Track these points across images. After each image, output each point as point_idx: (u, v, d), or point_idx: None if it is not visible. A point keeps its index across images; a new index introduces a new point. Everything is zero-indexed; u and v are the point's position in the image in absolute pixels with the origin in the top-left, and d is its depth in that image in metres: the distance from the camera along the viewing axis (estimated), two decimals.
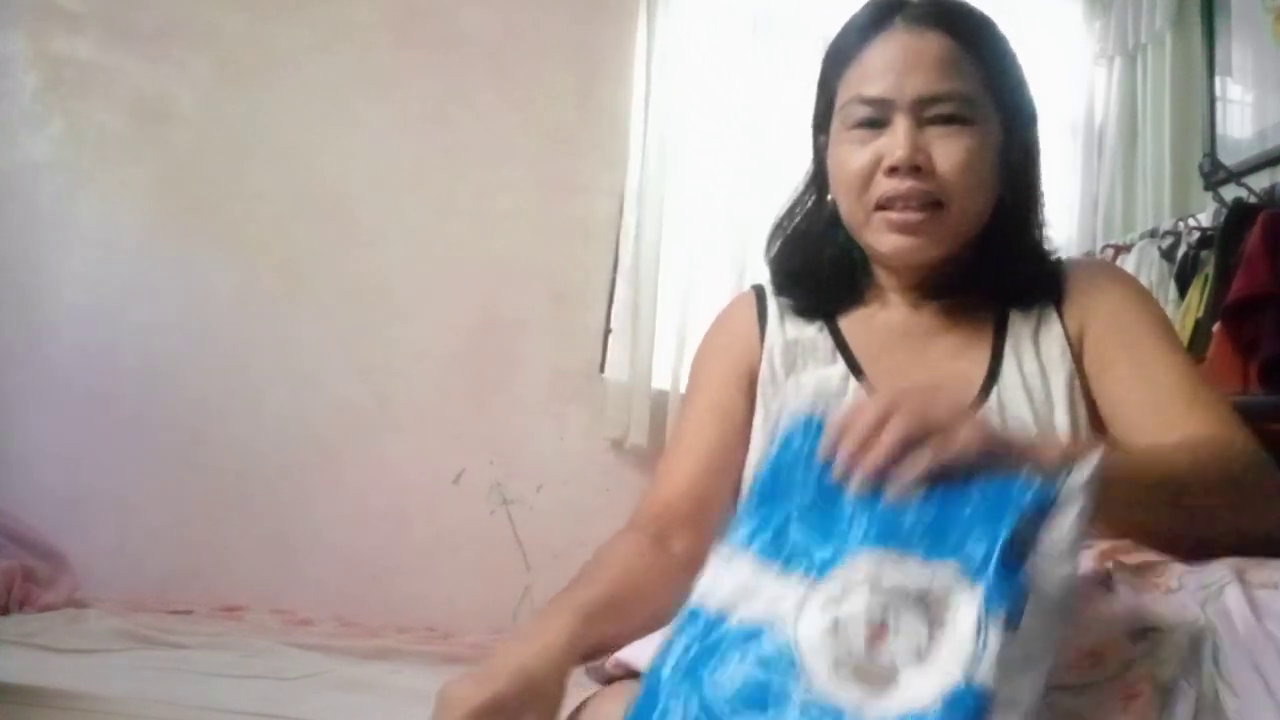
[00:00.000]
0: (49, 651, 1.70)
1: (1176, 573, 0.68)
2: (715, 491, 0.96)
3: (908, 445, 0.61)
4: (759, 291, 1.07)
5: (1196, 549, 0.73)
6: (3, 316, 2.41)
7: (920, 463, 0.61)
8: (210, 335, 2.52)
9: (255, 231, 2.57)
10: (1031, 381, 0.93)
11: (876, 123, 0.93)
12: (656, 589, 0.80)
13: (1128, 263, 2.64)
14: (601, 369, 2.74)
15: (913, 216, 0.91)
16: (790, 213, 1.07)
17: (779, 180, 2.56)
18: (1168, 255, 2.61)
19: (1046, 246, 1.01)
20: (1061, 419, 0.91)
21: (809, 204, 1.04)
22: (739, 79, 2.83)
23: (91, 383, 2.43)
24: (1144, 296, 0.99)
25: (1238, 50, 2.87)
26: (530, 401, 2.67)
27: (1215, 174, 2.71)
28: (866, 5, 0.98)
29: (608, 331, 2.77)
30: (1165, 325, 0.95)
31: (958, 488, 0.61)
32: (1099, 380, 0.92)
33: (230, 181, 2.57)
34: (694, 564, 0.73)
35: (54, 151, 2.51)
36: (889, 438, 0.62)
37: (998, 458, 0.62)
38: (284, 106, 2.62)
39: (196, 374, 2.49)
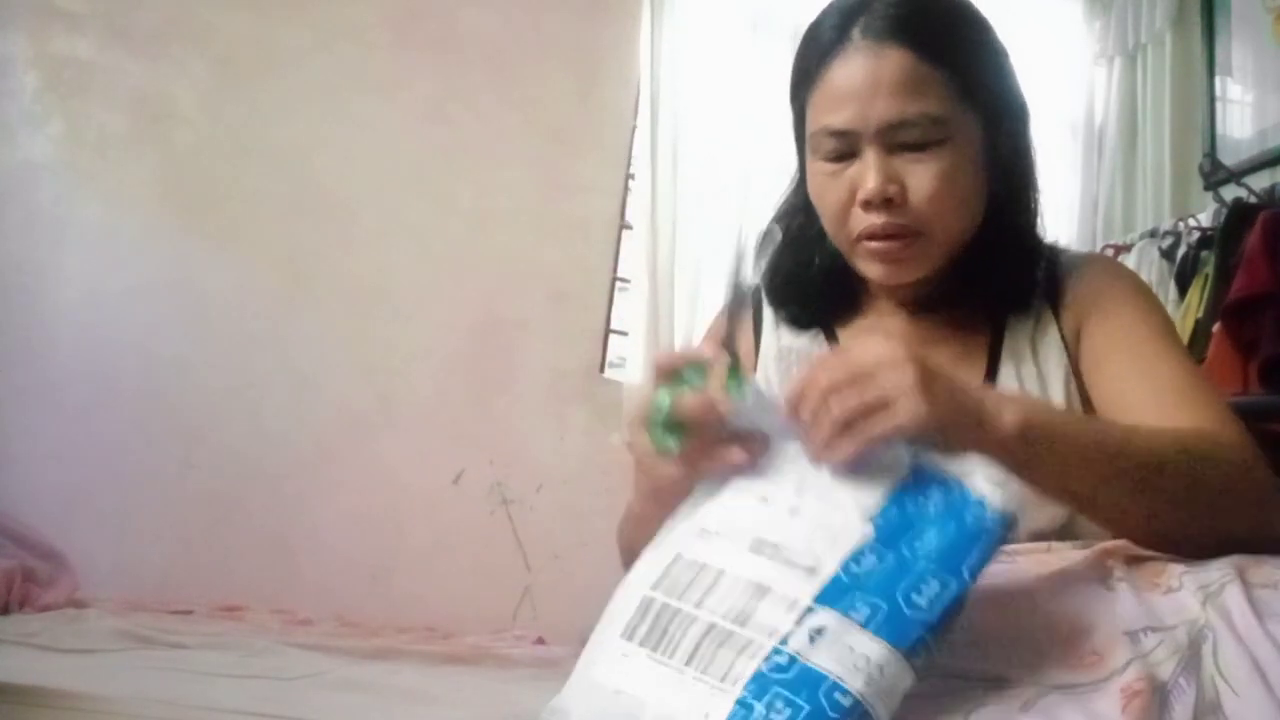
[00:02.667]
0: (49, 651, 1.70)
1: (1176, 572, 0.68)
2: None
3: (852, 419, 0.63)
4: (755, 293, 1.06)
5: (1184, 546, 0.73)
6: (3, 317, 2.40)
7: (860, 439, 0.63)
8: (210, 335, 2.52)
9: (255, 231, 2.57)
10: (1029, 387, 0.92)
11: (846, 154, 0.90)
12: None
13: (1127, 262, 2.64)
14: (601, 369, 2.74)
15: (893, 245, 0.89)
16: (780, 219, 1.04)
17: (783, 180, 2.56)
18: (1168, 255, 2.61)
19: (1043, 242, 0.99)
20: None
21: (799, 210, 1.02)
22: (741, 79, 2.84)
23: (91, 382, 2.43)
24: (1142, 292, 0.96)
25: (1238, 50, 2.87)
26: (530, 401, 2.67)
27: (1215, 174, 2.71)
28: (826, 13, 0.93)
29: (608, 331, 2.77)
30: (1163, 322, 0.92)
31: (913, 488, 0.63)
32: (1093, 376, 0.91)
33: (230, 181, 2.57)
34: None
35: (54, 151, 2.51)
36: (833, 415, 0.63)
37: (946, 434, 0.64)
38: (284, 106, 2.62)
39: (196, 374, 2.49)
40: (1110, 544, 0.74)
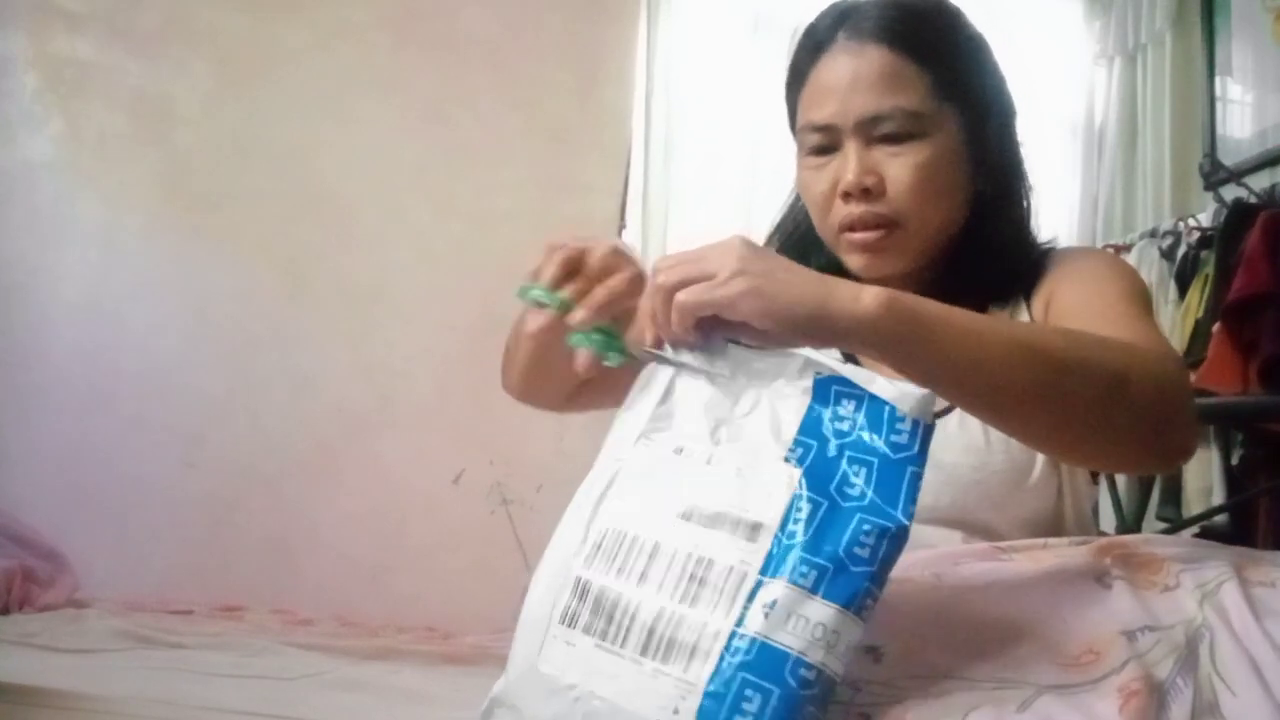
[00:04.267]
0: (49, 651, 1.70)
1: (1174, 570, 0.68)
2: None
3: (677, 289, 0.65)
4: None
5: (1101, 456, 0.75)
6: (3, 317, 2.40)
7: (687, 307, 0.64)
8: (210, 335, 2.51)
9: (255, 231, 2.57)
10: None
11: (828, 148, 0.94)
12: None
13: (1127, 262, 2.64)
14: None
15: (871, 236, 0.93)
16: (786, 219, 1.08)
17: (780, 180, 2.57)
18: (1168, 255, 2.61)
19: (1033, 236, 1.01)
20: None
21: (800, 208, 1.05)
22: (740, 79, 2.84)
23: (91, 383, 2.42)
24: (1110, 263, 0.98)
25: (1238, 50, 2.87)
26: None
27: (1215, 174, 2.71)
28: (817, 19, 0.98)
29: None
30: (1133, 289, 0.92)
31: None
32: None
33: (230, 181, 2.57)
34: None
35: (54, 151, 2.51)
36: (659, 282, 0.65)
37: (788, 306, 0.63)
38: (284, 106, 2.62)
39: (196, 374, 2.49)
40: (1106, 541, 0.74)
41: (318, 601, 2.38)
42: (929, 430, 0.60)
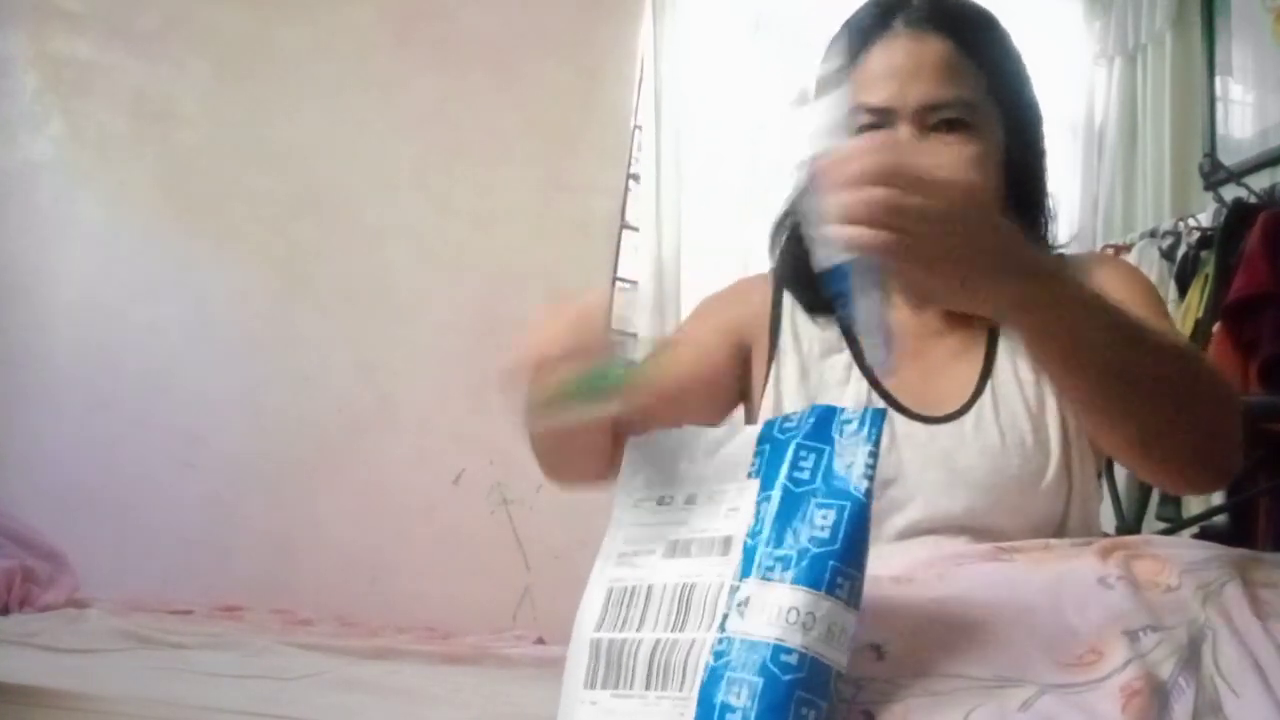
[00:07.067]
0: (49, 651, 1.70)
1: (1175, 570, 0.68)
2: (658, 414, 0.96)
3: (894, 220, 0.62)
4: (774, 277, 1.08)
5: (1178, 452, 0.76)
6: (3, 316, 2.40)
7: (888, 237, 0.61)
8: (210, 335, 2.51)
9: (255, 231, 2.57)
10: (1025, 376, 0.94)
11: (880, 130, 0.93)
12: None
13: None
14: None
15: None
16: (791, 210, 1.06)
17: (780, 179, 2.58)
18: (1168, 255, 2.61)
19: (1050, 244, 1.01)
20: (1052, 416, 0.93)
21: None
22: (740, 79, 2.84)
23: (91, 383, 2.42)
24: (1136, 277, 1.00)
25: (1238, 50, 2.87)
26: None
27: (1215, 174, 2.71)
28: (865, 9, 0.98)
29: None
30: (1153, 296, 0.95)
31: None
32: None
33: (230, 181, 2.57)
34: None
35: (54, 151, 2.51)
36: (876, 200, 0.61)
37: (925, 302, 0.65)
38: (284, 106, 2.62)
39: (196, 374, 2.49)
40: (1108, 541, 0.74)
41: (318, 601, 2.38)
42: (880, 415, 0.62)
